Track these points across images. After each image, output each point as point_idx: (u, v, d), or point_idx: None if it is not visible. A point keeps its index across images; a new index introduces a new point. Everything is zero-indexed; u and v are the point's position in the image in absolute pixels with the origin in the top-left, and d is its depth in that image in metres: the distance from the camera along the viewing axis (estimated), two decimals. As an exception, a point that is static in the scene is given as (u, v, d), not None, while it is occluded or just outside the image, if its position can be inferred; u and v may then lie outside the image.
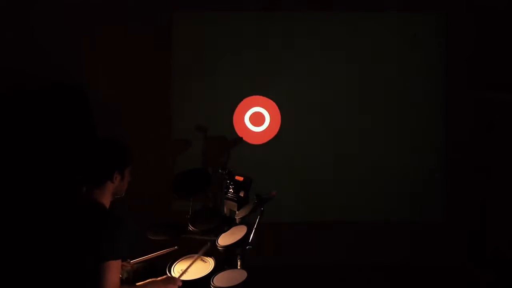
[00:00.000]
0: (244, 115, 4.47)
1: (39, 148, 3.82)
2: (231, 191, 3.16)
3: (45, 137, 3.85)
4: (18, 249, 3.48)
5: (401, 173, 4.57)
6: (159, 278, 2.60)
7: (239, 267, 2.81)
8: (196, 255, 2.85)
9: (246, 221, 2.98)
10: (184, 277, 2.74)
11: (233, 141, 4.46)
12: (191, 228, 2.98)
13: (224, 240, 2.86)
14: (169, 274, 2.76)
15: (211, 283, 2.65)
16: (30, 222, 3.28)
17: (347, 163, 4.56)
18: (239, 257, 2.85)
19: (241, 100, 4.49)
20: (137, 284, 2.51)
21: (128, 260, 2.80)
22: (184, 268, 2.81)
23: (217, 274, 2.72)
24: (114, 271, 2.28)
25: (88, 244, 2.27)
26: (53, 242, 2.33)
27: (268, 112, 4.48)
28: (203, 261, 2.91)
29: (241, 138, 4.46)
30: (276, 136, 4.53)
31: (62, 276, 2.30)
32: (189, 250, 2.96)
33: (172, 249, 2.91)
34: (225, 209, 3.22)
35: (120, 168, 2.45)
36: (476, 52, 4.45)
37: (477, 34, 4.45)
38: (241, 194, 3.11)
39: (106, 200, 2.42)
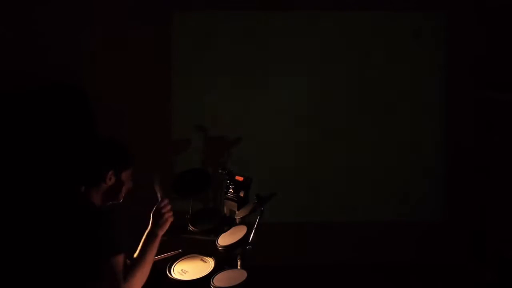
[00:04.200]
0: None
1: (38, 148, 3.82)
2: (231, 191, 3.16)
3: (45, 137, 3.85)
4: (14, 249, 3.48)
5: (401, 173, 4.57)
6: (146, 231, 2.50)
7: (239, 267, 2.81)
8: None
9: (246, 221, 2.98)
10: (184, 277, 2.75)
11: (233, 141, 4.46)
12: (191, 228, 2.98)
13: (224, 240, 2.86)
14: (169, 275, 2.76)
15: (211, 283, 2.64)
16: (24, 221, 3.27)
17: (347, 163, 4.56)
18: (239, 257, 2.85)
19: (241, 99, 4.49)
20: (134, 256, 2.46)
21: (129, 262, 2.80)
22: (185, 268, 2.82)
23: (217, 274, 2.72)
24: (118, 265, 2.26)
25: (82, 244, 2.26)
26: (46, 241, 2.32)
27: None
28: (203, 261, 2.91)
29: (241, 138, 4.46)
30: (276, 136, 4.53)
31: (57, 276, 2.30)
32: (189, 250, 2.97)
33: (176, 252, 2.91)
34: (225, 209, 3.22)
35: (116, 169, 2.43)
36: (477, 51, 4.45)
37: (478, 33, 4.45)
38: (241, 194, 3.11)
39: (97, 200, 2.41)
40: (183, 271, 2.79)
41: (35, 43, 4.18)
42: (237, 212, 3.06)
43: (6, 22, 4.17)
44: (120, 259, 2.28)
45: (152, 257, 2.43)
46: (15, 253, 3.41)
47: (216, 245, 2.84)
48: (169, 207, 2.57)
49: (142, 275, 2.34)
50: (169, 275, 2.75)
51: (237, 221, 3.05)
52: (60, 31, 4.22)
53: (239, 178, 3.15)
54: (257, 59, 4.48)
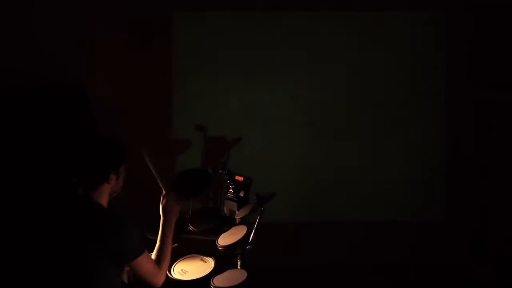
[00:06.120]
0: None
1: (38, 149, 3.81)
2: (231, 191, 3.16)
3: (45, 137, 3.84)
4: (22, 253, 3.47)
5: (401, 173, 4.57)
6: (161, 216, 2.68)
7: (239, 267, 2.81)
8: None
9: (246, 221, 2.99)
10: (184, 277, 2.75)
11: (233, 141, 4.46)
12: (191, 228, 2.98)
13: (224, 240, 2.86)
14: (169, 275, 2.76)
15: (211, 283, 2.65)
16: (28, 224, 3.26)
17: (347, 163, 4.56)
18: (239, 257, 2.85)
19: (241, 100, 4.50)
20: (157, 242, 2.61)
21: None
22: (185, 268, 2.82)
23: (217, 274, 2.72)
24: (145, 262, 2.41)
25: (98, 246, 2.26)
26: (56, 245, 2.31)
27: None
28: (203, 261, 2.91)
29: (241, 138, 4.46)
30: (276, 136, 4.53)
31: (65, 279, 2.29)
32: (189, 250, 2.97)
33: (172, 246, 2.91)
34: (225, 209, 3.22)
35: (115, 168, 2.44)
36: (476, 51, 4.45)
37: (477, 33, 4.45)
38: (241, 194, 3.11)
39: (104, 200, 2.41)
40: (183, 271, 2.80)
41: (35, 43, 4.18)
42: (237, 212, 3.07)
43: (6, 22, 4.17)
44: (146, 255, 2.42)
45: (170, 240, 2.65)
46: (24, 258, 3.40)
47: (216, 245, 2.84)
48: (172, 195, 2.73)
49: (168, 257, 2.61)
50: (169, 275, 2.75)
51: (237, 221, 3.05)
52: (60, 31, 4.22)
53: (239, 178, 3.16)
54: (257, 59, 4.47)
